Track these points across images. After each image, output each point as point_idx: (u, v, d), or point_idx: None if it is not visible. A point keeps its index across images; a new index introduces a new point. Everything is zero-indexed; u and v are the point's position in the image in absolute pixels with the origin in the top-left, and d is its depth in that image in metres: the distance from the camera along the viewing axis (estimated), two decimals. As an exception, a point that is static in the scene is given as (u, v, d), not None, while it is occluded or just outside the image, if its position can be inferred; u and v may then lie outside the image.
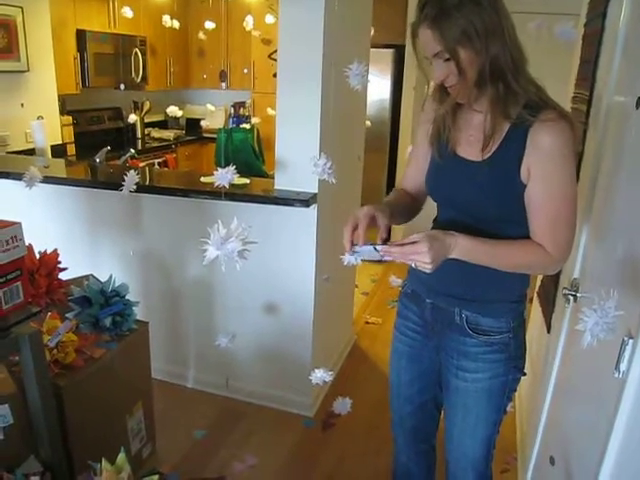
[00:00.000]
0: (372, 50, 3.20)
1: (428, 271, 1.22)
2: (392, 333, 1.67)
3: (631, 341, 1.10)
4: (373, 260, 1.30)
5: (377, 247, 1.25)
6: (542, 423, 2.06)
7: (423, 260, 1.20)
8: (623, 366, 1.12)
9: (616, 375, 1.13)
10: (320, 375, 1.76)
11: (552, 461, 1.73)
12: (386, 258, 1.26)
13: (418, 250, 1.20)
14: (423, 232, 1.24)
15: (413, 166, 1.57)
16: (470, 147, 1.35)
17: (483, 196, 1.32)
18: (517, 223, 1.32)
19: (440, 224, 1.48)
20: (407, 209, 1.55)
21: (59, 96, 4.18)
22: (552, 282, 2.19)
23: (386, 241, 1.28)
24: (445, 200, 1.46)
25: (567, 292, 1.67)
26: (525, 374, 1.51)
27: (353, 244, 1.30)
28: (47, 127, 3.92)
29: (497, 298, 1.42)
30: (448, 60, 1.21)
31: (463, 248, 1.26)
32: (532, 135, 1.23)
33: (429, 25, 1.19)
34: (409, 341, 1.60)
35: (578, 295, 1.64)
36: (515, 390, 1.52)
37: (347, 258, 1.56)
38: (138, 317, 2.23)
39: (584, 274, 1.71)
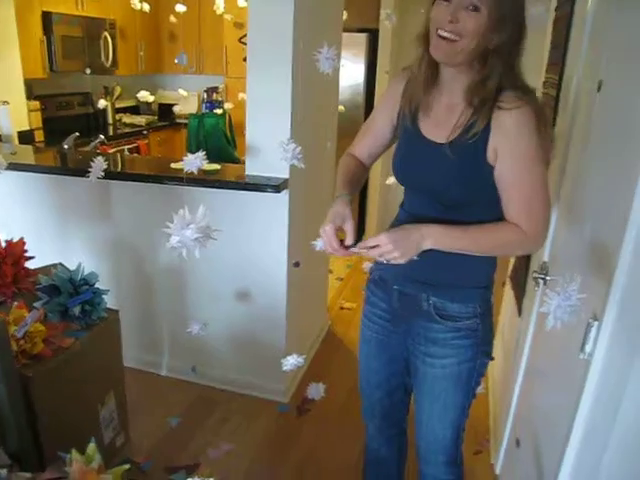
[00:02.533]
0: (345, 34, 3.17)
1: (402, 262, 1.25)
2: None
3: (596, 323, 1.11)
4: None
5: (354, 250, 1.30)
6: (513, 405, 2.09)
7: (392, 256, 1.24)
8: (588, 347, 1.14)
9: (581, 356, 1.15)
10: (292, 361, 1.75)
11: (517, 443, 1.76)
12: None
13: (382, 252, 1.24)
14: (385, 231, 1.27)
15: (370, 136, 1.57)
16: (436, 129, 1.34)
17: (449, 179, 1.32)
18: (485, 206, 1.32)
19: (407, 209, 1.48)
20: (360, 181, 1.56)
21: (25, 80, 4.07)
22: (523, 265, 2.21)
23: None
24: (412, 183, 1.45)
25: (537, 275, 1.69)
26: (493, 359, 1.52)
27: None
28: (13, 113, 3.83)
29: (466, 284, 1.42)
30: (474, 10, 1.18)
31: (435, 235, 1.27)
32: (496, 116, 1.24)
33: None
34: (377, 328, 1.60)
35: (547, 278, 1.66)
36: (483, 375, 1.52)
37: (319, 244, 1.57)
38: (109, 305, 2.20)
39: (553, 257, 1.73)
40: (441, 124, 1.33)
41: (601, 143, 1.36)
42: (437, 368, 1.46)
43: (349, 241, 1.31)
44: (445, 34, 1.21)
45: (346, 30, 3.18)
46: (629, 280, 1.04)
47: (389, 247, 1.23)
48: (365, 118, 5.37)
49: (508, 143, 1.24)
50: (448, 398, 1.48)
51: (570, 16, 1.89)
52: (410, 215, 1.42)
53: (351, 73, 4.56)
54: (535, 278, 1.69)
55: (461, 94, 1.30)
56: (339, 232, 1.32)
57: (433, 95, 1.36)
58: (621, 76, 1.28)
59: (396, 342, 1.57)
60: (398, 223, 1.42)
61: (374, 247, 1.25)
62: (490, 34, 1.20)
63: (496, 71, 1.24)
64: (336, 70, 1.93)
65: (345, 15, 3.16)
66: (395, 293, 1.50)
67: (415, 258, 1.28)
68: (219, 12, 4.46)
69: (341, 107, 3.50)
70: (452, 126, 1.30)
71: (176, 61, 4.00)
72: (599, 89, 1.32)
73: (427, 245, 1.27)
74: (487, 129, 1.25)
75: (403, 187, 1.49)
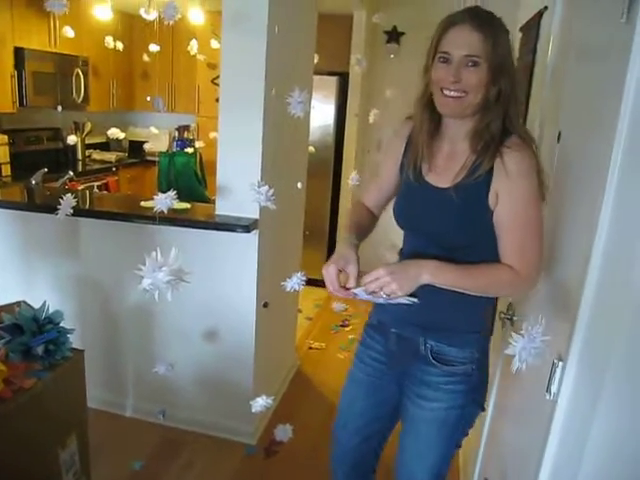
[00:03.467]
0: (316, 77, 3.25)
1: (400, 294, 1.28)
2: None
3: (561, 364, 1.14)
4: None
5: (356, 292, 1.33)
6: (482, 446, 2.09)
7: (390, 289, 1.27)
8: (554, 388, 1.16)
9: (547, 397, 1.16)
10: (261, 402, 1.73)
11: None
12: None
13: (381, 284, 1.27)
14: (381, 266, 1.29)
15: (378, 185, 1.61)
16: (439, 175, 1.38)
17: (452, 223, 1.35)
18: (484, 250, 1.35)
19: (406, 254, 1.50)
20: (369, 228, 1.60)
21: (-6, 115, 4.05)
22: (490, 305, 2.24)
23: None
24: (412, 227, 1.49)
25: (503, 316, 1.72)
26: (484, 410, 1.51)
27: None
28: (-20, 147, 3.78)
29: (463, 328, 1.42)
30: (474, 66, 1.25)
31: (432, 269, 1.29)
32: (499, 160, 1.27)
33: (478, 26, 1.24)
34: (370, 370, 1.59)
35: (514, 319, 1.69)
36: (472, 425, 1.51)
37: (289, 284, 1.58)
38: (74, 345, 2.15)
39: (520, 298, 1.76)
40: (444, 170, 1.37)
41: (562, 189, 1.41)
42: (426, 410, 1.46)
43: (351, 284, 1.35)
44: (451, 93, 1.28)
45: (317, 73, 3.26)
46: (591, 322, 1.07)
47: (387, 279, 1.26)
48: (335, 159, 5.43)
49: (508, 185, 1.28)
50: (431, 441, 1.47)
51: (532, 66, 1.98)
52: (407, 258, 1.45)
53: (321, 114, 4.64)
54: (502, 318, 1.72)
55: (464, 141, 1.35)
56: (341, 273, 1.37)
57: (435, 144, 1.41)
58: (578, 126, 1.34)
59: (387, 384, 1.57)
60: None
61: (373, 281, 1.28)
62: (492, 84, 1.26)
63: (498, 116, 1.29)
64: (307, 112, 1.97)
65: (316, 58, 3.24)
66: (393, 336, 1.51)
67: (409, 302, 1.31)
68: (192, 53, 4.51)
69: (311, 148, 3.55)
70: (456, 170, 1.34)
71: (148, 99, 3.99)
72: (559, 140, 1.37)
73: (425, 279, 1.29)
74: (490, 173, 1.29)
75: (403, 231, 1.53)
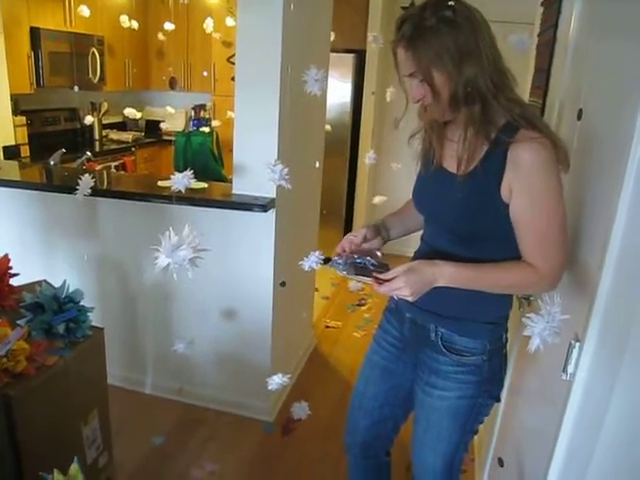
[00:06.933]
0: (333, 55, 3.22)
1: (410, 300, 1.28)
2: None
3: (578, 344, 1.13)
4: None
5: (363, 279, 1.35)
6: (497, 425, 2.10)
7: (403, 294, 1.26)
8: (570, 368, 1.15)
9: (564, 377, 1.16)
10: (278, 380, 1.74)
11: (501, 463, 1.77)
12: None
13: (394, 287, 1.26)
14: (403, 265, 1.28)
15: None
16: (453, 161, 1.35)
17: (460, 209, 1.32)
18: (498, 242, 1.32)
19: (425, 238, 1.51)
20: (412, 215, 1.59)
21: (12, 96, 4.06)
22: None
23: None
24: (427, 211, 1.48)
25: (521, 296, 1.71)
26: (499, 401, 1.50)
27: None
28: (-1, 128, 3.82)
29: (472, 317, 1.40)
30: (423, 80, 1.23)
31: (449, 275, 1.28)
32: (511, 153, 1.21)
33: (405, 45, 1.22)
34: (385, 354, 1.60)
35: (531, 299, 1.68)
36: (487, 415, 1.51)
37: (307, 264, 1.58)
38: (94, 323, 2.19)
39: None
40: (454, 156, 1.33)
41: (583, 168, 1.38)
42: (434, 398, 1.46)
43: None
44: (425, 105, 1.30)
45: (333, 50, 3.22)
46: (610, 301, 1.06)
47: (401, 282, 1.25)
48: (352, 138, 5.37)
49: (523, 179, 1.22)
50: (442, 430, 1.47)
51: (553, 42, 1.94)
52: (427, 245, 1.47)
53: (338, 92, 4.60)
54: (519, 299, 1.71)
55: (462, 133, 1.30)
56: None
57: (450, 131, 1.38)
58: (600, 104, 1.31)
59: (403, 370, 1.58)
60: (418, 255, 1.47)
61: (389, 280, 1.27)
62: (442, 83, 1.21)
63: (470, 100, 1.23)
64: (323, 91, 1.96)
65: (333, 36, 3.21)
66: (407, 321, 1.51)
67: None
68: (208, 31, 4.49)
69: (328, 126, 3.53)
70: (460, 164, 1.29)
71: (164, 78, 3.98)
72: (579, 117, 1.35)
73: (440, 283, 1.28)
74: (502, 166, 1.23)
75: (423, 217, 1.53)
